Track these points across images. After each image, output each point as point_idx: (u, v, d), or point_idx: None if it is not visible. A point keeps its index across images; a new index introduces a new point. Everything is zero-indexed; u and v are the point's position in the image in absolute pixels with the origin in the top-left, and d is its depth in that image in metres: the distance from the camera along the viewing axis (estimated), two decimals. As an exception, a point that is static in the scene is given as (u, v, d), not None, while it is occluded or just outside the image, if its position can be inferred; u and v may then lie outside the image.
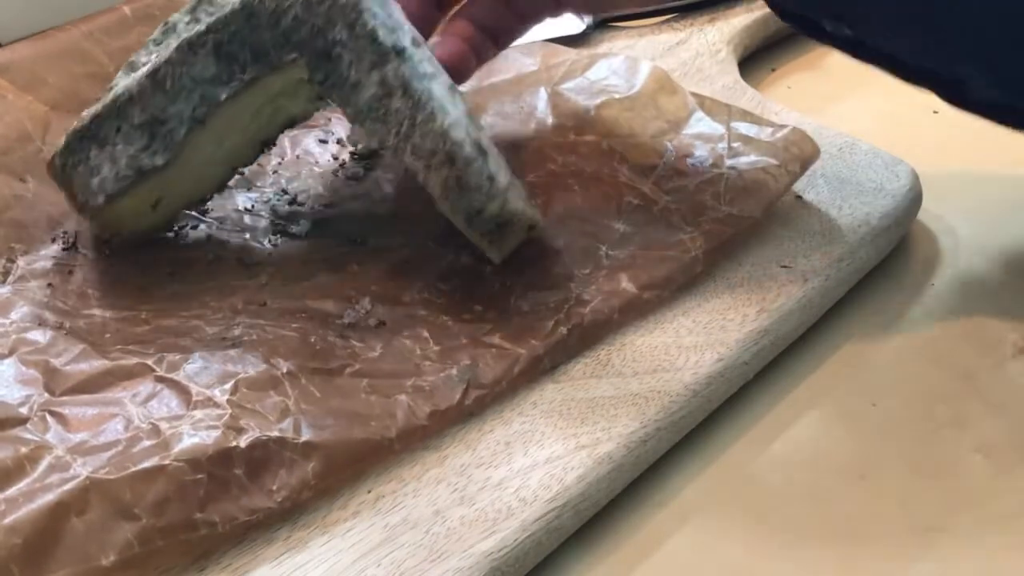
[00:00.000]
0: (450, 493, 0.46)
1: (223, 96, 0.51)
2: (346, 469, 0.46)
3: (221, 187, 0.55)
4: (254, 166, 0.58)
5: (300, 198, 0.59)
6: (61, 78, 0.63)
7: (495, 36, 0.59)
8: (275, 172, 0.60)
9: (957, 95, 0.57)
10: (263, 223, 0.57)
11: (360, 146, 0.57)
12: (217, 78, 0.51)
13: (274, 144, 0.56)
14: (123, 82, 0.53)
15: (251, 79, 0.51)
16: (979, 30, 0.53)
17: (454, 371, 0.49)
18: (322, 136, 0.63)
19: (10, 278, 0.53)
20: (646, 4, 0.60)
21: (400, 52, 0.51)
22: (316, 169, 0.61)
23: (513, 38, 0.61)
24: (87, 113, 0.52)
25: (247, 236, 0.57)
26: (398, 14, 0.53)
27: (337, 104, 0.52)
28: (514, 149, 0.61)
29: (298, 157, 0.61)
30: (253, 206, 0.59)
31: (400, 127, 0.50)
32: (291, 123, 0.55)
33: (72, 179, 0.52)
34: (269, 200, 0.59)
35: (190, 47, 0.51)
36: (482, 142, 0.51)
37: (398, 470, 0.47)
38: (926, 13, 0.53)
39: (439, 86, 0.51)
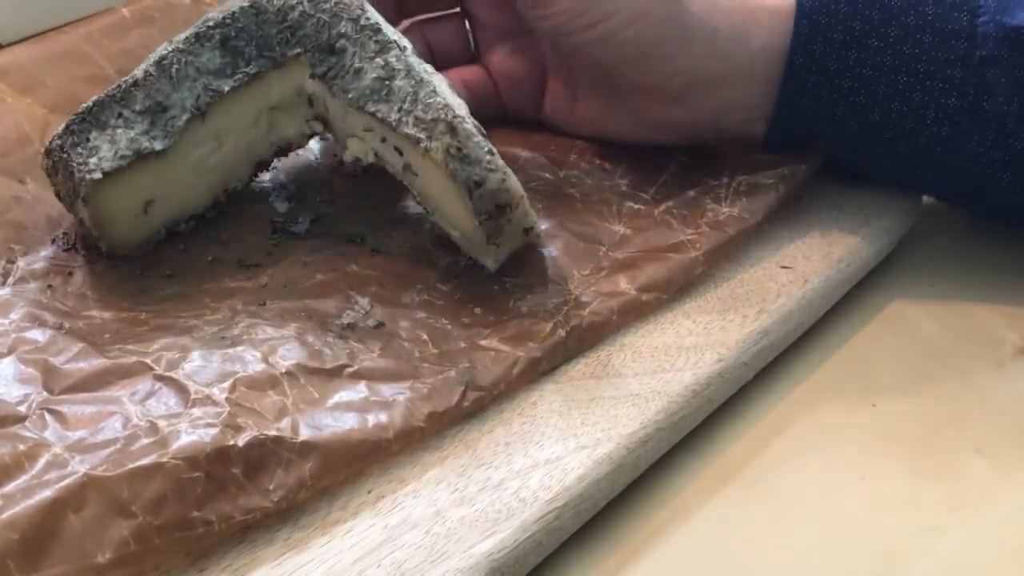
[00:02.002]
0: (450, 494, 0.46)
1: (226, 88, 0.53)
2: (344, 470, 0.46)
3: (213, 206, 0.56)
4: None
5: (299, 195, 0.59)
6: (60, 81, 0.63)
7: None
8: (274, 168, 0.60)
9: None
10: (263, 221, 0.57)
11: (347, 160, 0.57)
12: (221, 71, 0.53)
13: (268, 167, 0.57)
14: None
15: (255, 73, 0.53)
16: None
17: (452, 374, 0.49)
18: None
19: (10, 279, 0.53)
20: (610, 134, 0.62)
21: (403, 48, 0.53)
22: (315, 166, 0.61)
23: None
24: (90, 100, 0.53)
25: (247, 235, 0.57)
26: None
27: (334, 95, 0.54)
28: (512, 161, 0.61)
29: (297, 154, 0.61)
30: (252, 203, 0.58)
31: (403, 103, 0.52)
32: (286, 147, 0.57)
33: (69, 158, 0.52)
34: (268, 196, 0.59)
35: (198, 39, 0.53)
36: (482, 128, 0.52)
37: (398, 470, 0.47)
38: (922, 160, 0.57)
39: (439, 80, 0.53)
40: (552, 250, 0.55)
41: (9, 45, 0.65)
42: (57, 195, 0.54)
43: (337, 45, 0.53)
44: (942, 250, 0.60)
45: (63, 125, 0.53)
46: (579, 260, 0.55)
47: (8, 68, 0.63)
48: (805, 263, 0.56)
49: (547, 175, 0.60)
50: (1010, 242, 0.60)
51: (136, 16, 0.66)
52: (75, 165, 0.52)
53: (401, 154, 0.53)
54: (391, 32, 0.54)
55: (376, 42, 0.53)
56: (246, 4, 0.54)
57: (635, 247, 0.55)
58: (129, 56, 0.64)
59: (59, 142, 0.52)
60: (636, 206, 0.58)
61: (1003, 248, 0.60)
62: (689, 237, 0.55)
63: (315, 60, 0.54)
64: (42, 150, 0.54)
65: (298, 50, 0.54)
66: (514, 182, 0.51)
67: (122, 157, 0.52)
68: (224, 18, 0.54)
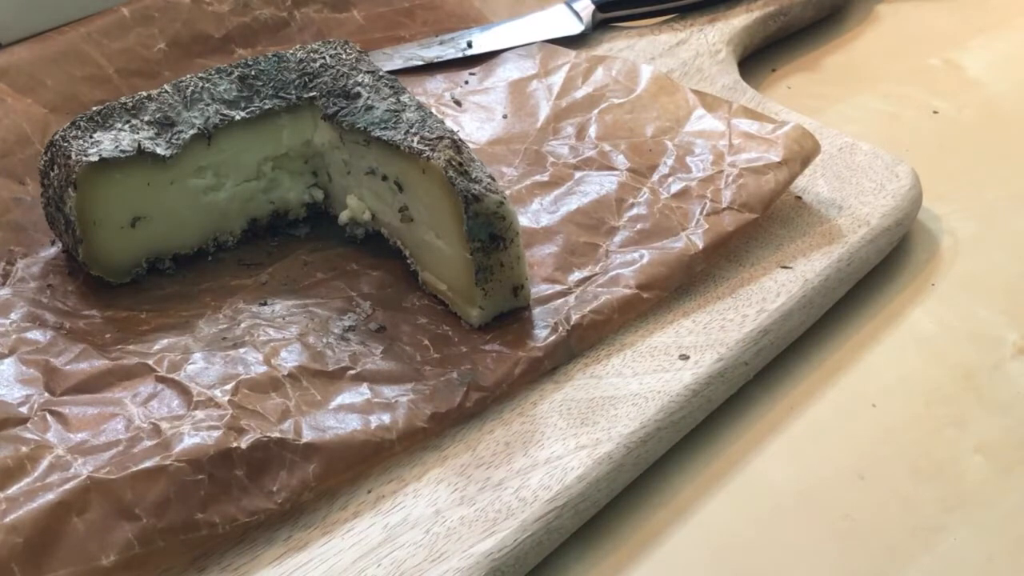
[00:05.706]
0: (450, 493, 0.46)
1: (237, 117, 0.54)
2: (347, 471, 0.46)
3: (199, 253, 0.56)
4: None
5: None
6: (60, 81, 0.63)
7: None
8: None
9: None
10: (263, 221, 0.57)
11: (343, 221, 0.57)
12: (235, 103, 0.55)
13: (261, 230, 0.57)
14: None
15: (268, 109, 0.55)
16: None
17: (455, 375, 0.49)
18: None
19: (10, 280, 0.53)
20: None
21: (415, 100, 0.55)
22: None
23: None
24: (101, 106, 0.54)
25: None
26: None
27: (343, 138, 0.55)
28: (513, 152, 0.61)
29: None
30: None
31: (410, 128, 0.52)
32: (284, 213, 0.57)
33: (69, 147, 0.52)
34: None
35: (218, 72, 0.56)
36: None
37: (398, 470, 0.47)
38: None
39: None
40: (553, 248, 0.55)
41: (9, 45, 0.65)
42: (45, 208, 0.54)
43: (353, 91, 0.55)
44: (942, 250, 0.60)
45: (70, 122, 0.53)
46: (579, 259, 0.55)
47: (8, 68, 0.63)
48: (805, 263, 0.56)
49: (549, 166, 0.60)
50: (1010, 242, 0.60)
51: (136, 16, 0.66)
52: (73, 151, 0.52)
53: (401, 190, 0.53)
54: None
55: (391, 88, 0.55)
56: (270, 55, 0.57)
57: (635, 244, 0.55)
58: (129, 56, 0.65)
59: (62, 134, 0.53)
60: (636, 204, 0.58)
61: (1003, 248, 0.60)
62: (689, 233, 0.55)
63: (328, 103, 0.55)
64: (43, 150, 0.54)
65: (313, 94, 0.55)
66: (512, 211, 0.51)
67: (122, 151, 0.52)
68: (247, 61, 0.57)
